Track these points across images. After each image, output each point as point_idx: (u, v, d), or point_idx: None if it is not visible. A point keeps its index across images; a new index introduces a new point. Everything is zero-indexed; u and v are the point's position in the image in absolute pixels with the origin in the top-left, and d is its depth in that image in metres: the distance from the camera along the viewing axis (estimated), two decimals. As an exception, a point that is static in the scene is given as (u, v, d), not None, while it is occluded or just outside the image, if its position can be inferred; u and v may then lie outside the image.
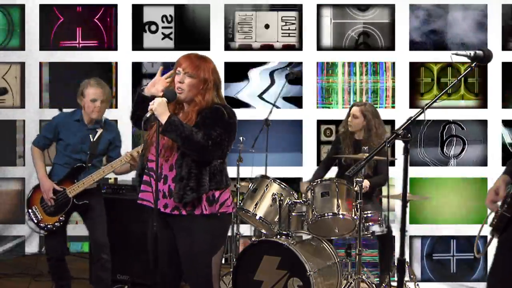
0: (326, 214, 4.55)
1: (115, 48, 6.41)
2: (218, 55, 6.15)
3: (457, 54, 2.95)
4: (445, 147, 6.24)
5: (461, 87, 6.20)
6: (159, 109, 3.15)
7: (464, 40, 6.23)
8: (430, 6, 6.27)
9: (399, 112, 6.16)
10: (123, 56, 6.39)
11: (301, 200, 4.67)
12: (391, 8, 6.28)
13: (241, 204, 4.76)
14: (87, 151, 4.45)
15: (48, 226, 4.41)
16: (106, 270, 4.49)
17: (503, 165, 6.11)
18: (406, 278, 4.79)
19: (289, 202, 4.63)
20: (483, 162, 6.19)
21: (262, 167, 5.56)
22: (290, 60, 6.34)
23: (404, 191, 2.90)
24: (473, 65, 2.99)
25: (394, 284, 3.95)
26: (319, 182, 4.74)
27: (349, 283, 4.64)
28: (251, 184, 4.87)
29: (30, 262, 5.69)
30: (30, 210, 4.44)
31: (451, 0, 6.26)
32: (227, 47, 6.36)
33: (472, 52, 2.95)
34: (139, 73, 6.40)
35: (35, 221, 4.42)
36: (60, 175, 4.44)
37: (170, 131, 3.13)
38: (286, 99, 6.34)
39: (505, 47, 6.18)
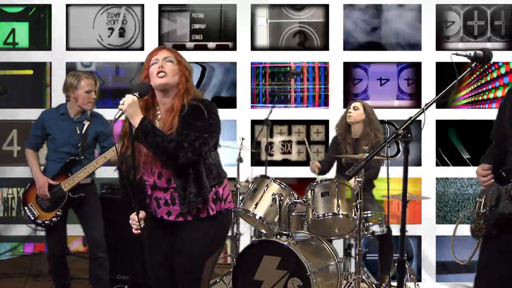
0: (326, 214, 4.55)
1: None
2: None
3: (457, 54, 2.94)
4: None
5: (395, 87, 6.19)
6: (130, 109, 2.90)
7: (399, 40, 6.22)
8: (364, 6, 6.24)
9: (333, 112, 6.12)
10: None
11: (301, 200, 4.67)
12: (325, 8, 6.26)
13: (241, 204, 4.77)
14: (75, 144, 4.47)
15: (46, 221, 4.43)
16: (104, 268, 4.50)
17: (437, 165, 6.12)
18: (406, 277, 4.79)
19: (289, 202, 4.63)
20: (417, 162, 6.14)
21: (262, 167, 5.56)
22: (225, 60, 6.30)
23: (404, 191, 2.91)
24: (473, 65, 2.98)
25: (394, 284, 3.95)
26: (319, 182, 4.75)
27: (349, 283, 4.64)
28: (251, 184, 4.87)
29: (30, 262, 5.69)
30: (26, 208, 4.48)
31: (385, 0, 6.23)
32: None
33: (472, 52, 2.95)
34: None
35: (32, 218, 4.45)
36: (53, 170, 4.47)
37: (141, 138, 2.91)
38: (219, 99, 6.28)
39: (439, 47, 6.15)
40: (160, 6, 6.32)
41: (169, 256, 3.18)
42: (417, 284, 4.97)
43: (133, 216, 3.08)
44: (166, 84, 3.06)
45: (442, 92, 2.97)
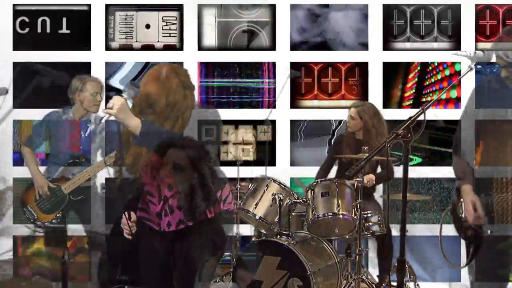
0: (326, 214, 4.55)
1: None
2: (98, 55, 6.06)
3: (457, 54, 2.95)
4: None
5: (342, 87, 6.11)
6: (121, 114, 2.76)
7: (345, 40, 6.12)
8: (311, 6, 6.13)
9: (280, 113, 6.06)
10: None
11: (301, 200, 4.67)
12: (272, 8, 6.16)
13: (241, 204, 4.77)
14: (78, 147, 4.50)
15: (46, 223, 4.44)
16: (103, 269, 4.51)
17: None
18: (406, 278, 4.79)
19: (289, 202, 4.63)
20: None
21: (262, 167, 5.56)
22: (171, 60, 6.10)
23: (404, 191, 2.91)
24: (473, 64, 2.98)
25: (394, 284, 3.95)
26: (319, 182, 4.75)
27: (349, 283, 4.64)
28: (251, 184, 4.87)
29: (27, 262, 5.70)
30: (25, 209, 4.48)
31: (332, 0, 6.14)
32: (108, 47, 6.17)
33: (472, 52, 2.95)
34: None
35: (32, 220, 4.46)
36: (54, 172, 4.50)
37: (146, 139, 2.82)
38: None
39: (385, 47, 6.07)
40: (107, 6, 6.17)
41: (167, 261, 3.14)
42: (417, 284, 4.97)
43: (124, 220, 3.05)
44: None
45: (442, 93, 2.98)
